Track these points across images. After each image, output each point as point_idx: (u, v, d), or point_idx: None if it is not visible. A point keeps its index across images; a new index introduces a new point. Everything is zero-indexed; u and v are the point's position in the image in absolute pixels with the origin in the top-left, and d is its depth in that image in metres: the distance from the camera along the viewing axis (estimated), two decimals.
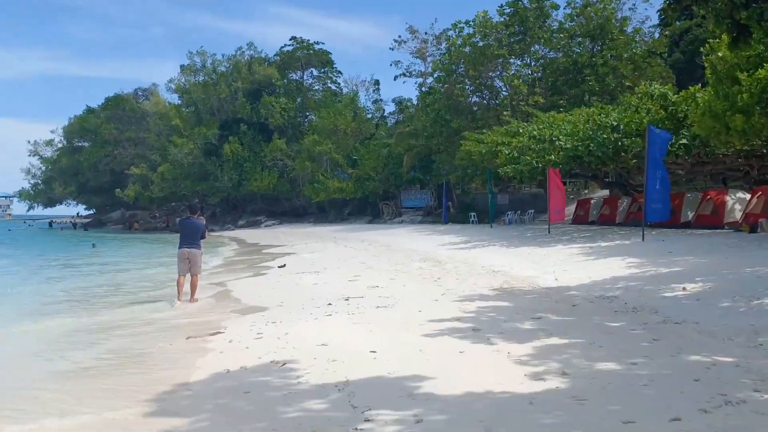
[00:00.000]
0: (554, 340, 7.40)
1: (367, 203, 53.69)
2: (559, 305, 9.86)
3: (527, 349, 6.91)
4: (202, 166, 65.01)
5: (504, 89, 38.74)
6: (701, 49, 19.77)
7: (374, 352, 7.08)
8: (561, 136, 26.24)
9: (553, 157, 25.72)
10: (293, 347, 7.55)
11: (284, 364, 6.70)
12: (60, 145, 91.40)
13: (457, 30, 39.29)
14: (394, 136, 49.11)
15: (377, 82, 66.83)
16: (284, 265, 19.75)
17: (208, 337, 8.61)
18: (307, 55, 65.54)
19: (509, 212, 37.49)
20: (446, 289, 12.25)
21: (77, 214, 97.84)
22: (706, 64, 18.37)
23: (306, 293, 12.77)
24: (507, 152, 28.20)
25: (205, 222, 13.62)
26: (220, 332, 8.86)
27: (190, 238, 13.29)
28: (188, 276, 13.01)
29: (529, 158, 26.86)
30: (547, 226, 27.34)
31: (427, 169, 46.18)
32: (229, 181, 63.92)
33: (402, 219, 47.75)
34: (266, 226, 59.53)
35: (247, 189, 62.21)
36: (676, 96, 22.45)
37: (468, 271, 15.55)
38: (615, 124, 24.64)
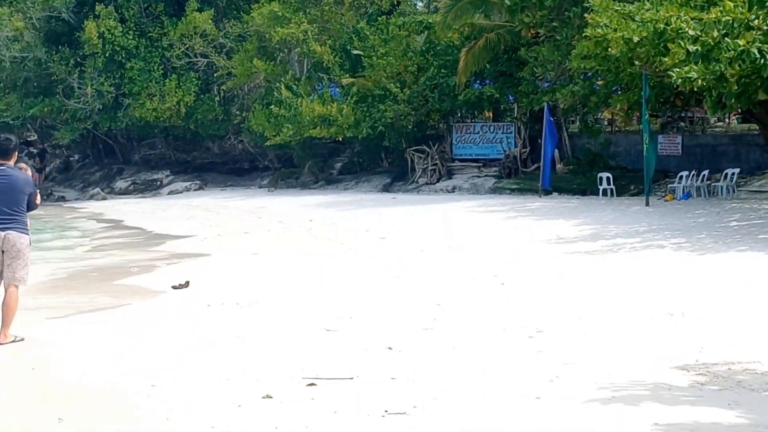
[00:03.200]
0: None
1: (382, 150, 41.08)
2: None
3: None
4: (43, 67, 47.29)
5: None
6: None
7: None
8: None
9: None
10: None
11: None
12: None
13: None
14: (441, 9, 36.31)
15: None
16: (186, 284, 14.50)
17: None
18: None
19: (684, 173, 28.81)
20: (563, 363, 8.04)
21: None
22: None
23: (216, 361, 8.56)
24: (690, 39, 17.51)
25: (32, 175, 10.22)
26: None
27: (4, 208, 9.52)
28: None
29: (737, 49, 16.15)
30: None
31: (510, 79, 35.04)
32: (96, 99, 45.18)
33: (453, 184, 36.33)
34: (173, 192, 45.11)
35: (132, 116, 45.97)
36: None
37: (607, 312, 10.12)
38: None
